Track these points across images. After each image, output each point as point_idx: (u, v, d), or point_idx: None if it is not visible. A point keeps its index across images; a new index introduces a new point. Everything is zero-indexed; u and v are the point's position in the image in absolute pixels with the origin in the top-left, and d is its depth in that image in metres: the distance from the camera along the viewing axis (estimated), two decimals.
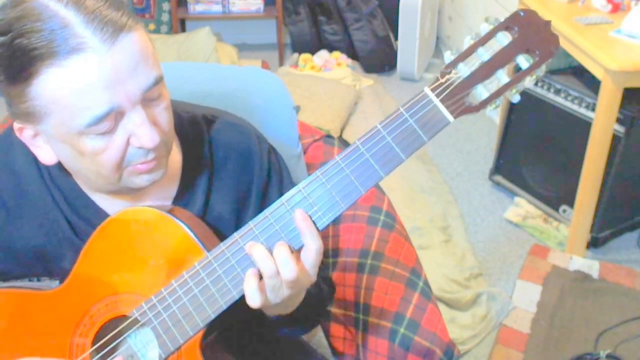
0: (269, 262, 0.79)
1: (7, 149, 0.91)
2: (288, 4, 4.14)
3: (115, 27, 0.74)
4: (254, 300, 0.80)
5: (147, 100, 0.79)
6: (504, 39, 0.76)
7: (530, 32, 0.76)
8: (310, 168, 1.43)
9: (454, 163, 3.05)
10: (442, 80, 0.77)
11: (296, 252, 0.81)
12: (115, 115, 0.77)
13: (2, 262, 0.94)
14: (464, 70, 0.77)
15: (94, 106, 0.75)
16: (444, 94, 0.77)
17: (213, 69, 1.51)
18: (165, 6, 4.20)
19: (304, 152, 1.43)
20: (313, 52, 4.10)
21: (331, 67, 3.96)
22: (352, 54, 4.12)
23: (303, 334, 1.09)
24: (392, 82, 3.95)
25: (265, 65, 4.17)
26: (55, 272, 0.94)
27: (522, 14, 0.76)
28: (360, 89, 3.75)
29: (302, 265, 0.81)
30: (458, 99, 0.77)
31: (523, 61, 0.76)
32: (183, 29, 4.33)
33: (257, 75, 1.40)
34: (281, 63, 4.24)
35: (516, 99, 0.79)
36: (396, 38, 3.95)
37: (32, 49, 0.72)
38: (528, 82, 0.78)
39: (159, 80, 0.79)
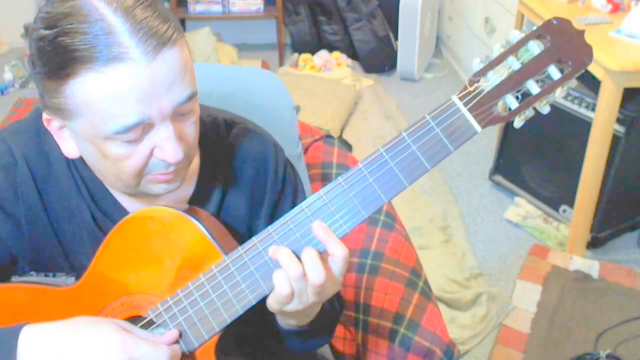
0: (295, 265, 0.78)
1: (39, 128, 0.91)
2: (288, 4, 4.14)
3: (159, 40, 0.74)
4: (283, 288, 0.79)
5: (177, 114, 0.79)
6: (535, 47, 0.74)
7: (562, 41, 0.73)
8: (310, 168, 1.43)
9: (454, 163, 3.05)
10: (471, 89, 0.75)
11: (321, 256, 0.80)
12: (143, 127, 0.77)
13: (33, 243, 0.93)
14: (494, 78, 0.74)
15: (125, 115, 0.75)
16: (472, 102, 0.75)
17: (213, 69, 1.51)
18: (165, 6, 4.20)
19: (304, 152, 1.43)
20: (313, 52, 4.10)
21: (331, 67, 3.96)
22: (352, 54, 4.12)
23: (315, 349, 1.08)
24: (392, 82, 3.95)
25: (265, 65, 4.17)
26: (73, 263, 0.94)
27: (554, 22, 0.73)
28: (360, 89, 3.76)
29: (330, 271, 0.80)
30: (486, 108, 0.75)
31: (555, 72, 0.74)
32: (183, 29, 4.33)
33: (257, 75, 1.40)
34: (281, 63, 4.24)
35: (546, 110, 0.76)
36: (396, 38, 3.95)
37: (73, 50, 0.72)
38: (559, 94, 0.75)
39: (192, 97, 0.79)
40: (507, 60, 0.74)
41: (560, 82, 0.74)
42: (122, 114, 0.75)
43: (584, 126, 2.29)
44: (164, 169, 0.82)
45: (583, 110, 2.35)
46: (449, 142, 0.76)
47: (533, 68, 0.74)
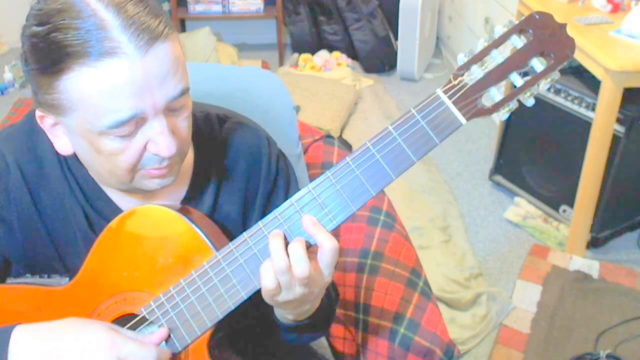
0: (282, 257, 0.79)
1: (31, 132, 0.92)
2: (288, 4, 4.14)
3: (151, 35, 0.74)
4: (269, 281, 0.79)
5: (170, 109, 0.80)
6: (518, 41, 0.75)
7: (545, 35, 0.75)
8: (310, 168, 1.43)
9: (454, 163, 3.05)
10: (455, 82, 0.77)
11: (311, 249, 0.81)
12: (137, 121, 0.78)
13: (26, 246, 0.94)
14: (477, 72, 0.76)
15: (118, 110, 0.75)
16: (457, 95, 0.76)
17: (213, 69, 1.51)
18: (165, 6, 4.20)
19: (304, 152, 1.43)
20: (313, 52, 4.10)
21: (331, 67, 3.96)
22: (352, 54, 4.12)
23: (311, 342, 1.09)
24: (392, 82, 3.95)
25: (265, 65, 4.17)
26: (67, 265, 0.95)
27: (537, 16, 0.75)
28: (360, 89, 3.76)
29: (317, 264, 0.80)
30: (471, 101, 0.76)
31: (537, 64, 0.75)
32: (183, 29, 4.33)
33: (257, 75, 1.40)
34: (281, 63, 4.24)
35: (530, 102, 0.78)
36: (396, 38, 3.95)
37: (66, 45, 0.73)
38: (542, 86, 0.77)
39: (184, 92, 0.80)
40: (490, 54, 0.76)
41: (543, 75, 0.76)
42: (115, 108, 0.75)
43: (584, 126, 2.29)
44: (157, 163, 0.82)
45: (583, 110, 2.35)
46: (434, 134, 0.78)
47: (516, 61, 0.76)
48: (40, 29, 0.74)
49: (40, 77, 0.77)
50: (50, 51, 0.74)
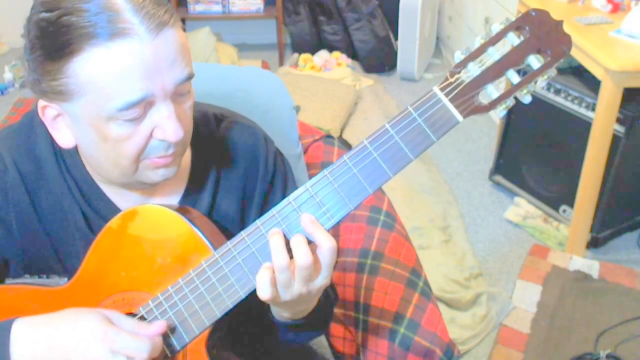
0: (282, 255, 0.79)
1: (29, 132, 0.92)
2: (288, 4, 4.14)
3: (160, 20, 0.76)
4: (264, 293, 0.80)
5: (177, 94, 0.81)
6: (515, 38, 0.75)
7: (541, 32, 0.75)
8: (310, 168, 1.43)
9: (454, 163, 3.05)
10: (452, 80, 0.76)
11: (310, 246, 0.80)
12: (145, 104, 0.78)
13: (25, 247, 0.94)
14: (474, 69, 0.76)
15: (129, 91, 0.76)
16: (453, 93, 0.76)
17: (213, 69, 1.51)
18: None
19: (304, 152, 1.43)
20: (313, 52, 4.10)
21: (331, 67, 3.96)
22: (352, 54, 4.12)
23: (308, 341, 1.09)
24: (392, 82, 3.95)
25: (265, 65, 4.17)
26: (66, 266, 0.95)
27: (533, 13, 0.75)
28: (360, 89, 3.76)
29: (318, 262, 0.80)
30: (467, 98, 0.76)
31: (534, 61, 0.75)
32: (183, 29, 4.32)
33: (257, 75, 1.40)
34: (281, 63, 4.24)
35: (527, 99, 0.78)
36: (396, 38, 3.95)
37: (78, 27, 0.74)
38: (540, 83, 0.77)
39: (190, 77, 0.82)
40: (487, 52, 0.76)
41: (540, 72, 0.76)
42: (126, 89, 0.76)
43: (584, 126, 2.29)
44: (163, 151, 0.83)
45: (583, 110, 2.35)
46: (431, 132, 0.78)
47: (513, 58, 0.76)
48: (49, 14, 0.75)
49: (47, 63, 0.77)
50: (60, 34, 0.74)
